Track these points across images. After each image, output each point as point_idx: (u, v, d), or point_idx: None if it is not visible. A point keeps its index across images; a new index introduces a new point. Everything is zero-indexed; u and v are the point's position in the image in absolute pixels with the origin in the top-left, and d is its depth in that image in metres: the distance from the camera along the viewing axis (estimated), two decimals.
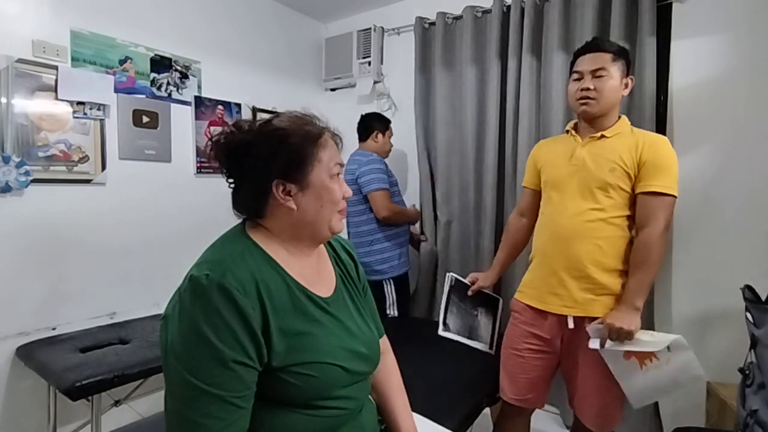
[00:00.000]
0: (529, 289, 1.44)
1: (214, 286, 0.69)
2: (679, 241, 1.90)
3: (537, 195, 1.52)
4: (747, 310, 1.36)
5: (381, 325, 1.01)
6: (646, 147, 1.27)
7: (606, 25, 1.94)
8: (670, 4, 1.88)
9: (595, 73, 1.30)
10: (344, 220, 0.87)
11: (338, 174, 0.84)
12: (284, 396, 0.75)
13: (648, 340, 1.25)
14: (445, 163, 2.45)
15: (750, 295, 1.36)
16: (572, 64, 1.39)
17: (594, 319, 1.30)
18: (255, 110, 2.59)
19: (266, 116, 0.83)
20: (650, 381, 1.27)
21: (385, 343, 1.02)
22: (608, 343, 1.25)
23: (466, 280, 1.65)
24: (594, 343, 1.27)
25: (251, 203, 0.81)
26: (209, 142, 0.82)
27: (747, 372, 1.36)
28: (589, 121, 1.36)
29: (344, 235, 2.80)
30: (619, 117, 1.37)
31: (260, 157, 0.78)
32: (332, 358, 0.78)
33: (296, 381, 0.74)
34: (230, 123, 0.83)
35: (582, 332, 1.32)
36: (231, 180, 0.83)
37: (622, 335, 1.22)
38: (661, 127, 1.86)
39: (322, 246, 0.92)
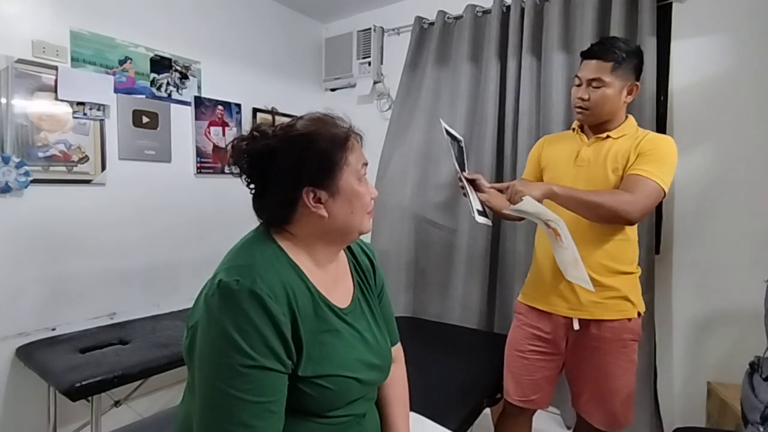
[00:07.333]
0: (533, 291, 1.43)
1: (245, 292, 0.67)
2: (679, 241, 1.90)
3: None
4: None
5: (396, 331, 0.99)
6: (643, 143, 1.27)
7: (606, 25, 1.94)
8: (670, 4, 1.88)
9: (591, 83, 1.28)
10: (371, 219, 0.85)
11: (364, 174, 0.82)
12: (297, 405, 0.73)
13: (530, 209, 1.18)
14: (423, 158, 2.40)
15: None
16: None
17: (600, 321, 1.30)
18: (255, 111, 2.59)
19: (286, 120, 0.81)
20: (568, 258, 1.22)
21: (397, 351, 1.00)
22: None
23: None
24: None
25: (278, 211, 0.78)
26: (229, 147, 0.78)
27: (758, 365, 1.33)
28: (590, 126, 1.37)
29: None
30: (627, 118, 1.36)
31: (288, 165, 0.75)
32: (349, 371, 0.77)
33: (313, 392, 0.73)
34: (251, 127, 0.79)
35: (588, 334, 1.31)
36: (252, 186, 0.79)
37: (514, 193, 1.20)
38: (661, 127, 1.86)
39: (342, 253, 0.89)
